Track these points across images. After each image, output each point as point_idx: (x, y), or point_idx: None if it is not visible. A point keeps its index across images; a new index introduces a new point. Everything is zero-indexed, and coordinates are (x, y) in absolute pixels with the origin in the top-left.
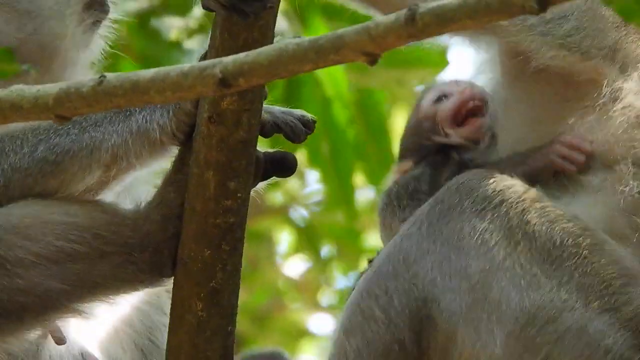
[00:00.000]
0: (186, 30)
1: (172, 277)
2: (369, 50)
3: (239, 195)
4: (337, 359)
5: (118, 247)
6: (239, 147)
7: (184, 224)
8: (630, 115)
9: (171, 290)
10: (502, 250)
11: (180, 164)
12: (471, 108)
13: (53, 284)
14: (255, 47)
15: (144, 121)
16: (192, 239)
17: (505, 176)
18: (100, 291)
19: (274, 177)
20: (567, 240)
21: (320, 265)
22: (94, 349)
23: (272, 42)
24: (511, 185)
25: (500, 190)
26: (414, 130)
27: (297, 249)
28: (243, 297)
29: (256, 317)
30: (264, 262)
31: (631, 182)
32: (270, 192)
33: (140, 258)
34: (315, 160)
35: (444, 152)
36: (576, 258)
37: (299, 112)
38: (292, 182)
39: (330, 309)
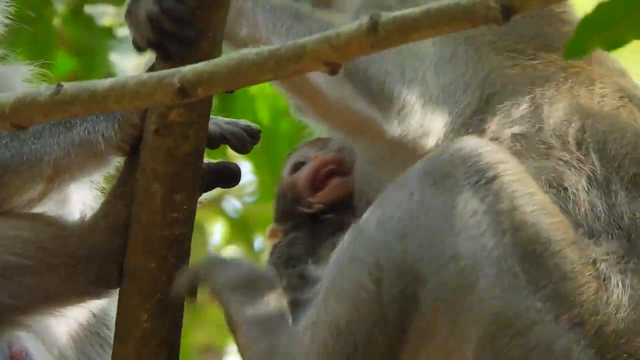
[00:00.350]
0: (120, 18)
1: (119, 289)
2: (331, 60)
3: (185, 207)
4: (324, 319)
5: (64, 258)
6: (186, 160)
7: (130, 235)
8: None
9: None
10: (492, 238)
11: (126, 176)
12: (327, 171)
13: (0, 299)
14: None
15: (87, 133)
16: (138, 250)
17: (499, 148)
18: (48, 304)
19: (217, 188)
20: (552, 236)
21: (253, 257)
22: None
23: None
24: (505, 160)
25: (494, 163)
26: (282, 200)
27: (230, 240)
28: None
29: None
30: (198, 253)
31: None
32: None
33: (87, 269)
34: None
35: (317, 216)
36: (557, 258)
37: (243, 122)
38: None
39: None
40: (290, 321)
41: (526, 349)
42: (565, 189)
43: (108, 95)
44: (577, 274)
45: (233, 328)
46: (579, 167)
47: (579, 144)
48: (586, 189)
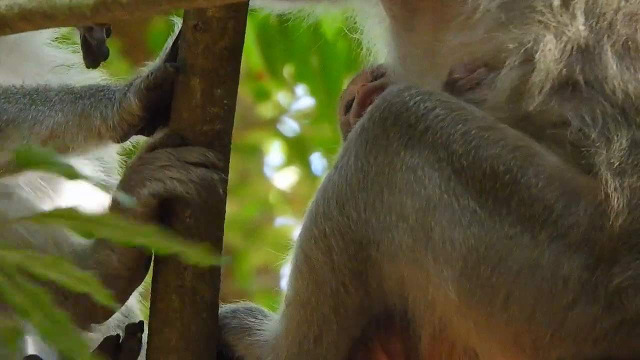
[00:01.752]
0: None
1: None
2: None
3: (225, 102)
4: (291, 297)
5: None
6: (225, 55)
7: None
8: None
9: None
10: (436, 188)
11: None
12: (371, 100)
13: None
14: None
15: (90, 107)
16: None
17: (425, 91)
18: None
19: None
20: (497, 167)
21: (310, 178)
22: None
23: None
24: (432, 108)
25: (423, 114)
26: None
27: (288, 161)
28: (234, 210)
29: (247, 229)
30: (254, 175)
31: (504, 85)
32: (259, 105)
33: (75, 304)
34: (303, 74)
35: None
36: (510, 186)
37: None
38: (280, 96)
39: None
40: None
41: (513, 272)
42: (534, 55)
43: None
44: (542, 190)
45: None
46: (561, 31)
47: (565, 5)
48: (559, 55)
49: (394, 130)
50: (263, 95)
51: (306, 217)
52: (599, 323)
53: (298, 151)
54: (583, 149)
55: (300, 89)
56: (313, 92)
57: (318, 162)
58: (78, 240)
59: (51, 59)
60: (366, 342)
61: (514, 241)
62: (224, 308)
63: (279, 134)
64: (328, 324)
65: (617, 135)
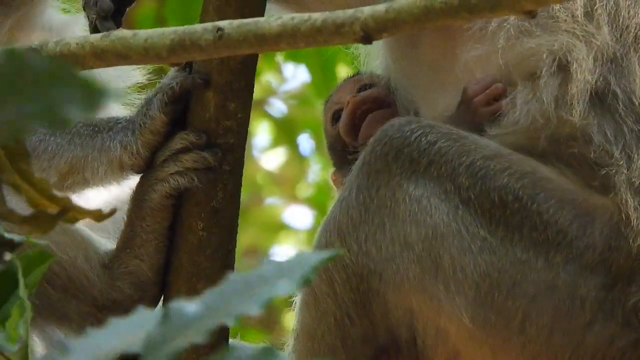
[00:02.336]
0: None
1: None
2: (528, 9)
3: (239, 116)
4: (298, 330)
5: (87, 297)
6: (240, 68)
7: None
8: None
9: None
10: (443, 216)
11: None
12: (363, 111)
13: None
14: None
15: (109, 139)
16: None
17: (426, 124)
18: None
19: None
20: (506, 196)
21: (298, 159)
22: None
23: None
24: (434, 141)
25: (425, 149)
26: (332, 150)
27: (275, 142)
28: None
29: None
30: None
31: (544, 95)
32: None
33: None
34: (295, 53)
35: None
36: (520, 213)
37: None
38: (268, 76)
39: (308, 201)
40: None
41: (528, 296)
42: (569, 64)
43: (280, 40)
44: (553, 215)
45: None
46: (589, 40)
47: (589, 16)
48: (592, 64)
49: (396, 165)
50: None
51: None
52: (617, 341)
53: (286, 132)
54: (603, 169)
55: (289, 70)
56: (309, 70)
57: (306, 143)
58: (105, 251)
59: None
60: None
61: (527, 265)
62: (245, 345)
63: (267, 115)
64: (335, 354)
65: (638, 154)
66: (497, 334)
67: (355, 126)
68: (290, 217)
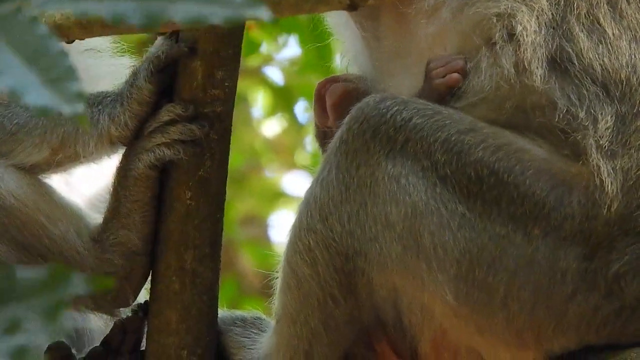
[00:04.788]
0: None
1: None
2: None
3: (226, 84)
4: (280, 313)
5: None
6: (226, 37)
7: None
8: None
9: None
10: (422, 194)
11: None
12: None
13: None
14: None
15: (98, 113)
16: None
17: (401, 100)
18: None
19: None
20: (482, 170)
21: (296, 128)
22: None
23: None
24: (409, 118)
25: (400, 126)
26: (321, 142)
27: (273, 109)
28: None
29: (233, 178)
30: (240, 124)
31: (503, 61)
32: (245, 54)
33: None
34: (290, 23)
35: None
36: (497, 187)
37: None
38: (267, 46)
39: (306, 169)
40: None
41: (509, 270)
42: (514, 28)
43: None
44: (530, 186)
45: None
46: (529, 3)
47: None
48: (537, 27)
49: (373, 143)
50: (252, 47)
51: (290, 231)
52: (600, 311)
53: (283, 100)
54: (572, 134)
55: (285, 38)
56: (301, 41)
57: (303, 111)
58: (95, 225)
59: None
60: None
61: (507, 240)
62: (235, 313)
63: (264, 82)
64: (318, 337)
65: (602, 113)
66: (481, 310)
67: (324, 109)
68: (288, 184)
